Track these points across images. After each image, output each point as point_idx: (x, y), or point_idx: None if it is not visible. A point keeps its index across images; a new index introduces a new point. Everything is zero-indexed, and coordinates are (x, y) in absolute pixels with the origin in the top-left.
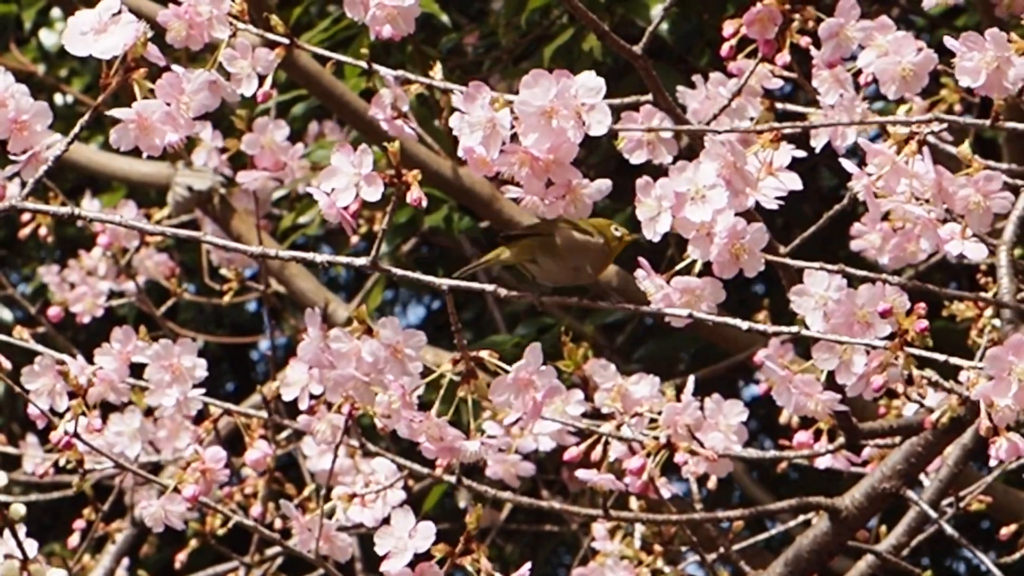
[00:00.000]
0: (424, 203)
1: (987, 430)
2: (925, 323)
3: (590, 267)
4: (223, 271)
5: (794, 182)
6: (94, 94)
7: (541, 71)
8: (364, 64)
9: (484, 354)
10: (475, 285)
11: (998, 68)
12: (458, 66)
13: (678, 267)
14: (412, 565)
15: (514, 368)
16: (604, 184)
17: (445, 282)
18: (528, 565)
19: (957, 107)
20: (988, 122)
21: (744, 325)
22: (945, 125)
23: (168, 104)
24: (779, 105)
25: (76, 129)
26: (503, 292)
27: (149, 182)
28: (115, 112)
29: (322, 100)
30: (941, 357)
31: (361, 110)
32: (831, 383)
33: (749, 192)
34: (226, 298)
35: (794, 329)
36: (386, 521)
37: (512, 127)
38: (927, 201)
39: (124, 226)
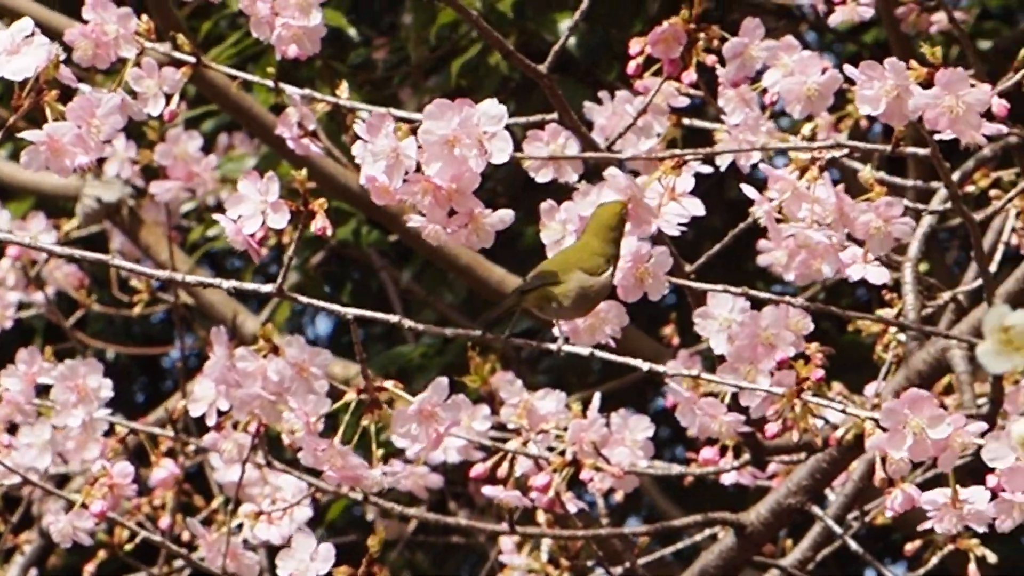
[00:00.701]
0: (329, 232)
1: (881, 482)
2: (821, 373)
3: (593, 303)
4: (132, 282)
5: (697, 207)
6: (3, 105)
7: (444, 100)
8: (271, 82)
9: (389, 384)
10: (379, 315)
11: (898, 96)
12: (367, 81)
13: None
14: None
15: (417, 400)
16: (507, 214)
17: (350, 311)
18: None
19: (863, 122)
20: (888, 148)
21: (644, 366)
22: (846, 151)
23: (79, 127)
24: (686, 121)
25: None
26: (407, 323)
27: (58, 194)
28: (26, 135)
29: (231, 114)
30: (838, 406)
31: (270, 124)
32: (735, 403)
33: (651, 221)
34: (136, 309)
35: (694, 372)
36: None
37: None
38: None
39: (34, 248)
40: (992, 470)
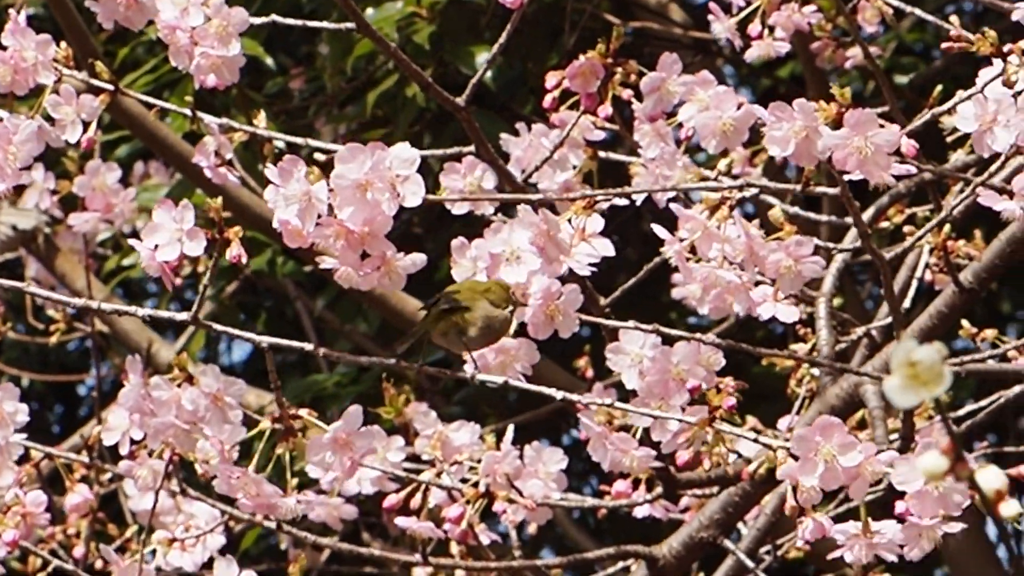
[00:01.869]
0: (244, 259)
1: (792, 510)
2: (732, 401)
3: (497, 336)
4: (49, 311)
5: (606, 248)
6: None
7: (356, 145)
8: (188, 112)
9: (304, 412)
10: (294, 344)
11: (807, 137)
12: (283, 111)
13: None
14: None
15: (331, 429)
16: (419, 257)
17: (265, 340)
18: None
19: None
20: (799, 187)
21: (558, 395)
22: (757, 190)
23: None
24: (602, 154)
25: None
26: (323, 351)
27: None
28: None
29: (146, 143)
30: (750, 435)
31: (185, 153)
32: (647, 437)
33: (562, 259)
34: (52, 338)
35: (608, 401)
36: (208, 565)
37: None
38: (740, 264)
39: None
40: (901, 495)
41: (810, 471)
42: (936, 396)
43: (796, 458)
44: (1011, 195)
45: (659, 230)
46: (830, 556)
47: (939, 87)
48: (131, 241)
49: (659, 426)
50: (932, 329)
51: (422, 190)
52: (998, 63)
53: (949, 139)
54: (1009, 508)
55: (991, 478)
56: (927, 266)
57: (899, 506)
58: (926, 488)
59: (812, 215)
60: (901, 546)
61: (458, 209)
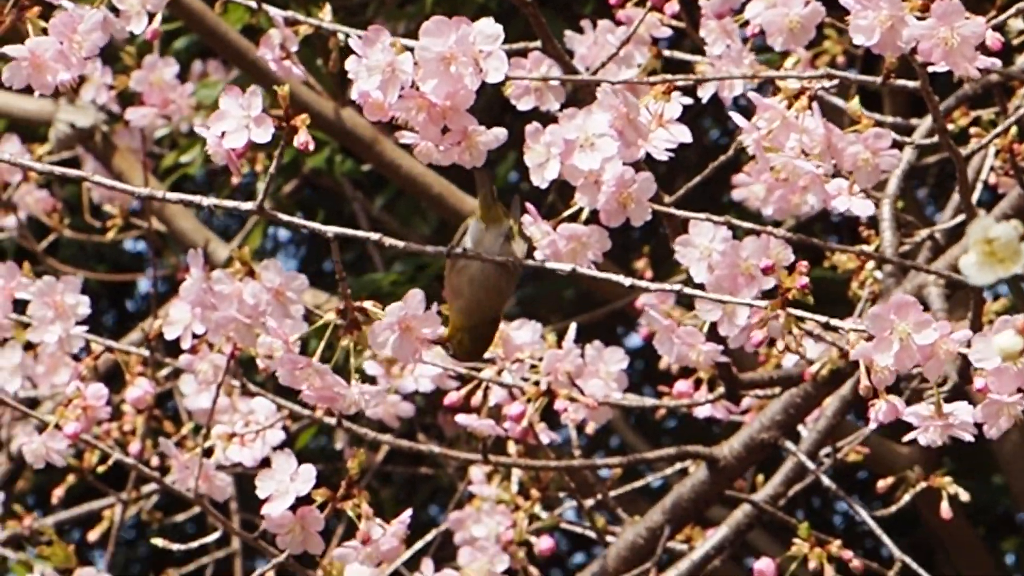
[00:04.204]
0: (311, 147)
1: (866, 390)
2: (806, 280)
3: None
4: (105, 208)
5: (684, 134)
6: None
7: (442, 18)
8: (252, 2)
9: (368, 304)
10: (360, 233)
11: (892, 27)
12: (343, 7)
13: (564, 214)
14: (293, 508)
15: (393, 310)
16: (500, 132)
17: (331, 229)
18: (408, 512)
19: (840, 59)
20: (879, 79)
21: (627, 281)
22: (836, 81)
23: (61, 43)
24: (667, 52)
25: None
26: (388, 241)
27: (31, 117)
28: (7, 50)
29: (205, 39)
30: (822, 318)
31: (244, 49)
32: (713, 333)
33: (641, 144)
34: (109, 235)
35: (676, 287)
36: (265, 462)
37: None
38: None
39: (14, 164)
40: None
41: (885, 349)
42: (1013, 273)
43: (871, 339)
44: None
45: (737, 118)
46: (905, 438)
47: None
48: (198, 128)
49: (727, 320)
50: None
51: (504, 66)
52: None
53: (1015, 42)
54: None
55: None
56: (992, 169)
57: (977, 382)
58: (1005, 364)
59: (876, 116)
60: (978, 426)
61: (524, 104)
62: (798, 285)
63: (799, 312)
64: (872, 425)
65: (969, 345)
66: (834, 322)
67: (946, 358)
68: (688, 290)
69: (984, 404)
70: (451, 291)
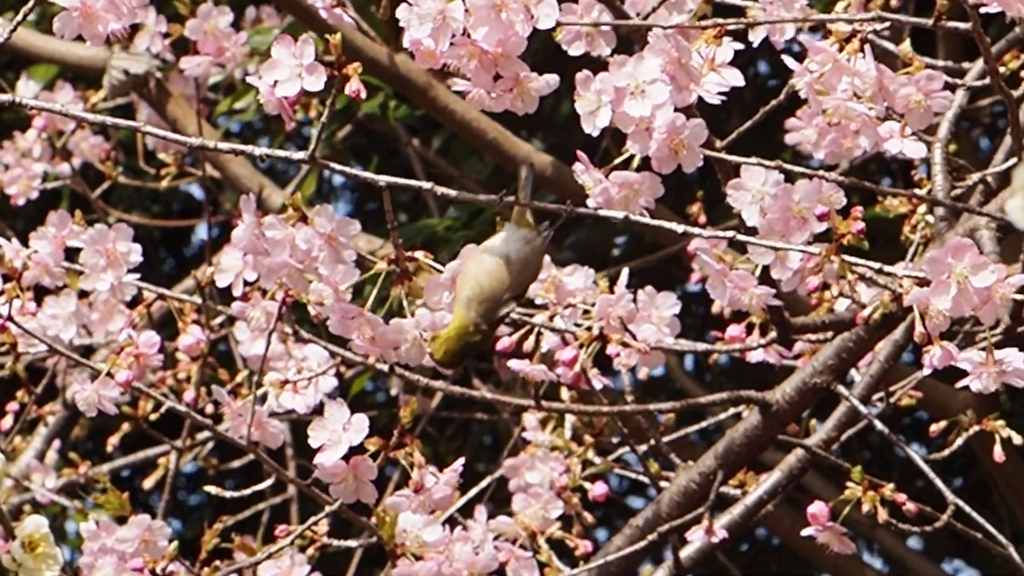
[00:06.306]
0: (363, 95)
1: (921, 336)
2: (862, 225)
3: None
4: (160, 155)
5: (736, 78)
6: None
7: None
8: None
9: (419, 254)
10: (412, 182)
11: None
12: None
13: (616, 161)
14: (346, 457)
15: (449, 268)
16: (552, 78)
17: (383, 179)
18: (461, 460)
19: (893, 2)
20: (931, 21)
21: (679, 228)
22: (888, 23)
23: None
24: None
25: (20, 17)
26: (440, 190)
27: (85, 65)
28: (58, 0)
29: None
30: (875, 264)
31: None
32: (765, 277)
33: (693, 88)
34: (163, 182)
35: (729, 233)
36: (318, 410)
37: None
38: (866, 99)
39: (65, 115)
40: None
41: (943, 293)
42: None
43: (924, 285)
44: None
45: (789, 61)
46: (958, 384)
47: None
48: (250, 78)
49: (779, 264)
50: None
51: (555, 12)
52: None
53: None
54: None
55: None
56: None
57: None
58: None
59: (928, 59)
60: None
61: (575, 50)
62: (854, 230)
63: (852, 259)
64: (926, 371)
65: (1021, 290)
66: (887, 268)
67: (1001, 303)
68: (741, 237)
69: None
70: (459, 279)
